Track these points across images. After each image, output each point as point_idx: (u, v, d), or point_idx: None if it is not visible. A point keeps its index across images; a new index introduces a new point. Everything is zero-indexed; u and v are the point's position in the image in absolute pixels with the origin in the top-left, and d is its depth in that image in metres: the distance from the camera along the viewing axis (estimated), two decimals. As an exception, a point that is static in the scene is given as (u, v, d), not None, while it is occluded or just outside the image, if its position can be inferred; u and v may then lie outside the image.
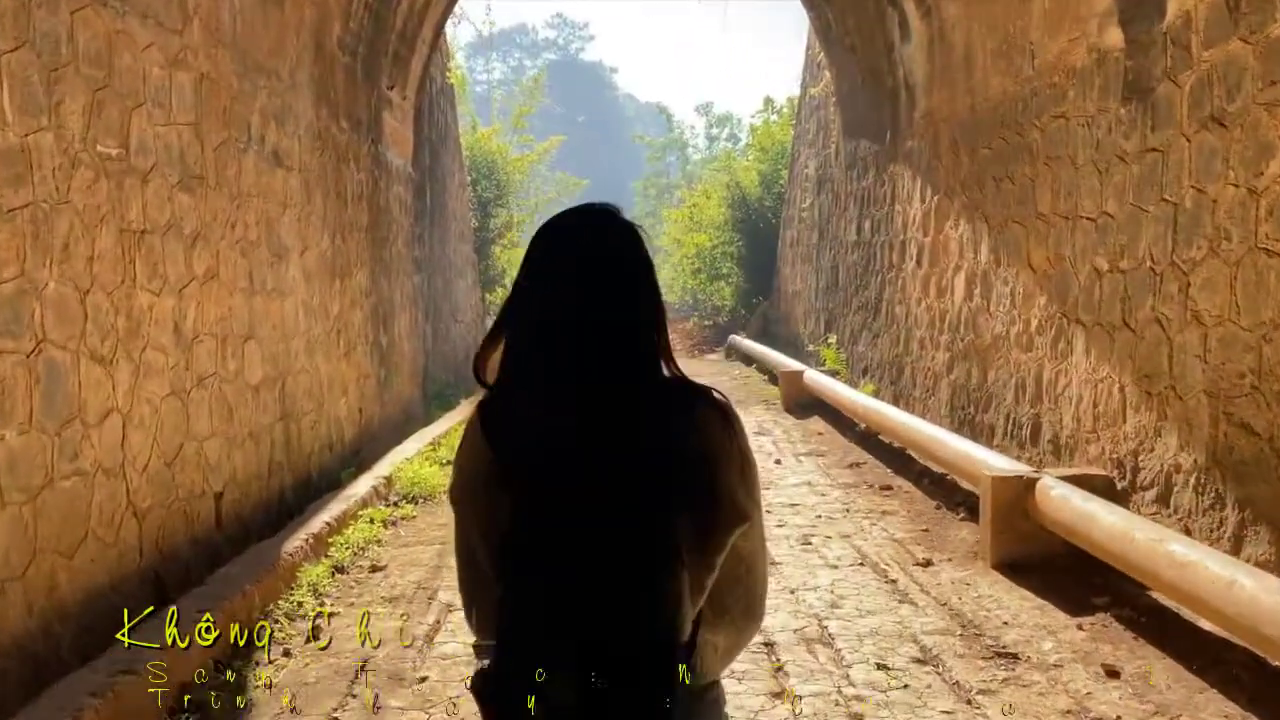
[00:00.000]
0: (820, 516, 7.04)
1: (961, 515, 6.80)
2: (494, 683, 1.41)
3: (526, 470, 1.47)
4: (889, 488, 7.94)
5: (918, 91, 9.43)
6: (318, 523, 6.21)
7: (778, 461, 9.09)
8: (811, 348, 14.77)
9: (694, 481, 1.47)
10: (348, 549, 6.20)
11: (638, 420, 1.48)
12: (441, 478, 8.19)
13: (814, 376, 11.88)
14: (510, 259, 21.81)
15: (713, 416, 1.55)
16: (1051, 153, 6.56)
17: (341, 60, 9.00)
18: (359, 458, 9.05)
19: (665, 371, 1.55)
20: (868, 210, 11.50)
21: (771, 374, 15.81)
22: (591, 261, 1.54)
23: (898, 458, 8.85)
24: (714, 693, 1.59)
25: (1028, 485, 5.54)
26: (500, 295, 21.55)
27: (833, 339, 12.98)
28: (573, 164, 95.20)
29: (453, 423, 10.82)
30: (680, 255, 29.01)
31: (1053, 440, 6.48)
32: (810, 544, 6.34)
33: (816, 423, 11.32)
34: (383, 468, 7.96)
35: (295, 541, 5.80)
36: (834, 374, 12.27)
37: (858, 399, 9.73)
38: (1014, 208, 7.18)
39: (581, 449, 1.46)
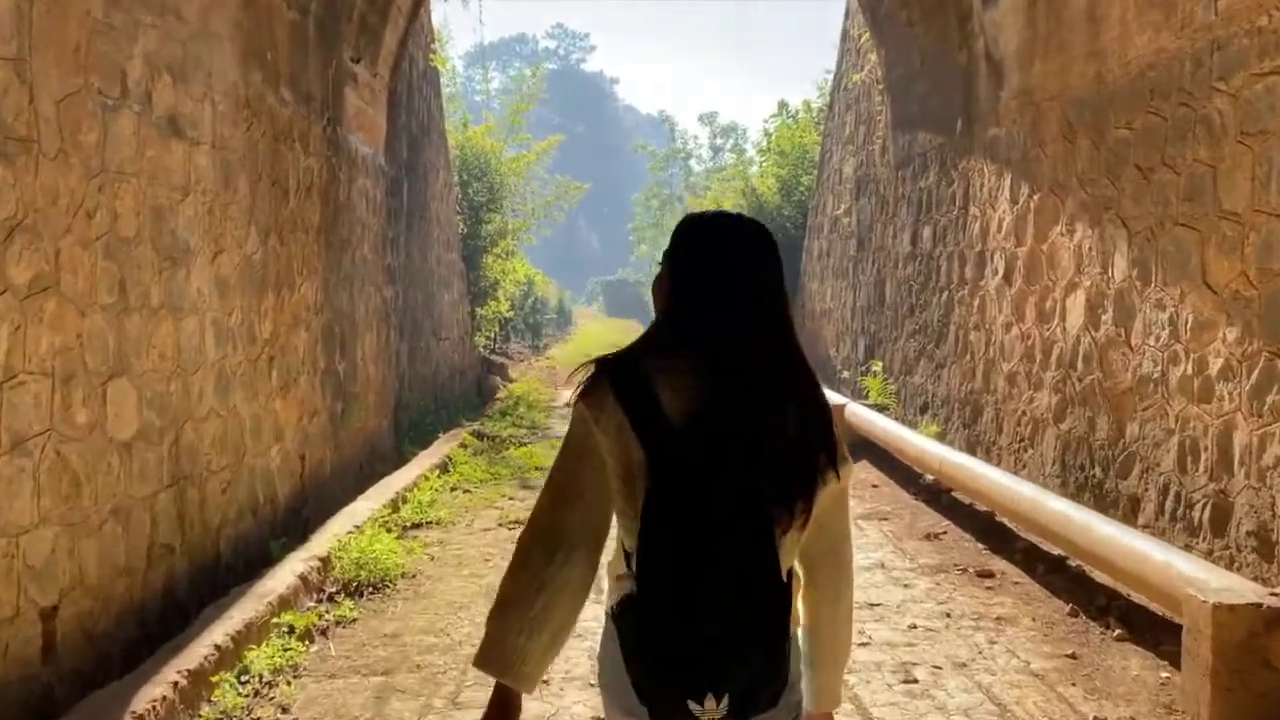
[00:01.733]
0: (915, 627, 5.10)
1: (1117, 632, 4.86)
2: (635, 610, 1.62)
3: (663, 438, 1.61)
4: (989, 574, 6.01)
5: (1007, 66, 7.54)
6: (203, 646, 4.27)
7: (833, 529, 7.16)
8: (846, 375, 12.86)
9: (806, 461, 1.67)
10: (247, 684, 4.26)
11: (775, 400, 1.66)
12: (402, 554, 6.27)
13: (860, 412, 9.96)
14: (505, 270, 19.93)
15: (826, 403, 1.76)
16: (1250, 126, 4.66)
17: (286, 15, 7.09)
18: (300, 518, 7.13)
19: (801, 358, 1.74)
20: (927, 215, 9.60)
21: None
22: (752, 255, 1.73)
23: (985, 526, 6.94)
24: (795, 638, 1.80)
25: (1271, 621, 3.62)
26: (493, 309, 19.63)
27: (877, 367, 11.06)
28: (572, 175, 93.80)
29: (427, 466, 8.89)
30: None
31: (1256, 533, 4.56)
32: (915, 681, 4.40)
33: (866, 469, 9.39)
34: (319, 543, 6.01)
35: (158, 688, 3.86)
36: (881, 409, 10.36)
37: (928, 447, 7.81)
38: (1176, 205, 5.28)
39: (721, 424, 1.62)
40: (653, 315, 1.85)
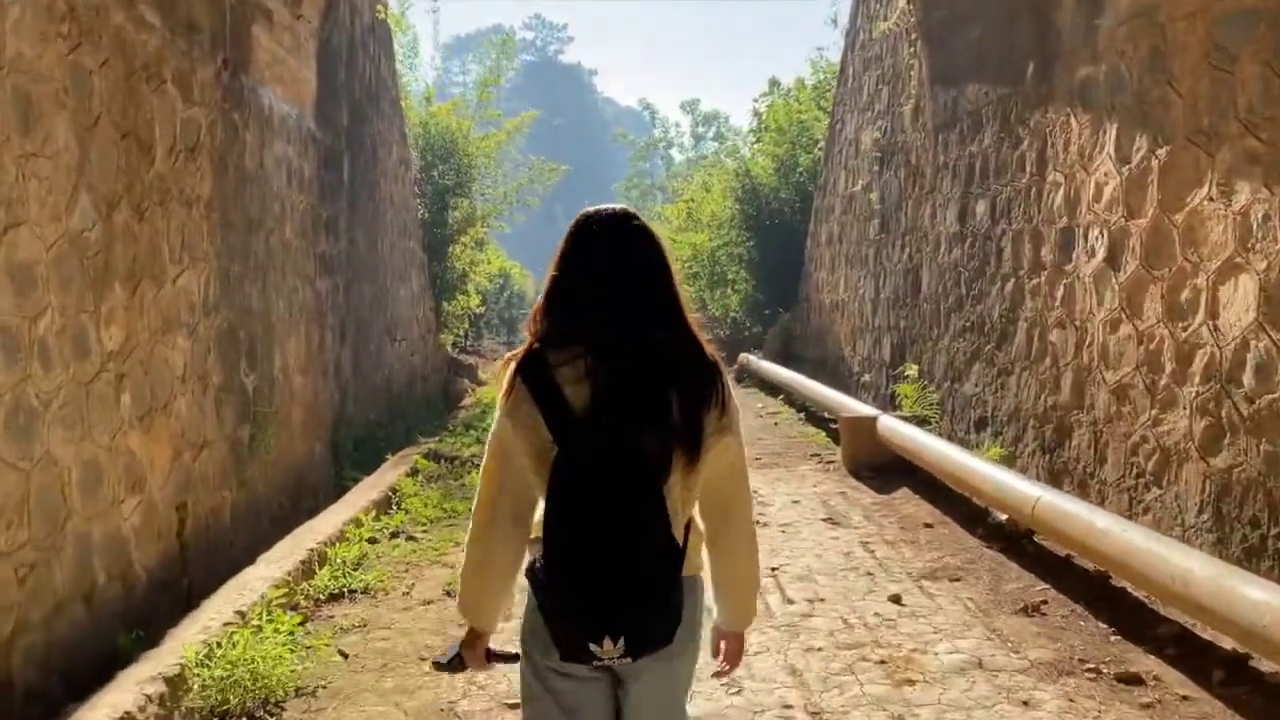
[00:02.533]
0: (1074, 799, 3.29)
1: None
2: (543, 572, 1.93)
3: (566, 414, 1.91)
4: (1135, 679, 4.21)
5: (1109, -18, 5.74)
6: None
7: (895, 600, 5.34)
8: (867, 378, 11.07)
9: (690, 415, 1.95)
10: None
11: (654, 369, 1.94)
12: (301, 654, 4.41)
13: (897, 428, 8.18)
14: (475, 260, 18.04)
15: (721, 385, 2.01)
16: None
17: (149, -93, 5.20)
18: (179, 592, 5.27)
19: (685, 330, 2.01)
20: (982, 186, 7.81)
21: (808, 410, 12.09)
22: (624, 246, 1.99)
23: (1099, 591, 5.17)
24: (698, 581, 2.12)
25: None
26: (461, 304, 17.73)
27: (912, 370, 9.27)
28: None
29: (363, 504, 7.03)
30: (672, 259, 25.36)
31: None
32: None
33: (910, 500, 7.61)
34: (173, 647, 4.13)
35: None
36: (921, 423, 8.58)
37: (1013, 483, 6.01)
38: None
39: (611, 393, 1.91)
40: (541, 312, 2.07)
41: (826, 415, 11.55)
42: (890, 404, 10.09)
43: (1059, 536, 5.39)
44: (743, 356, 16.36)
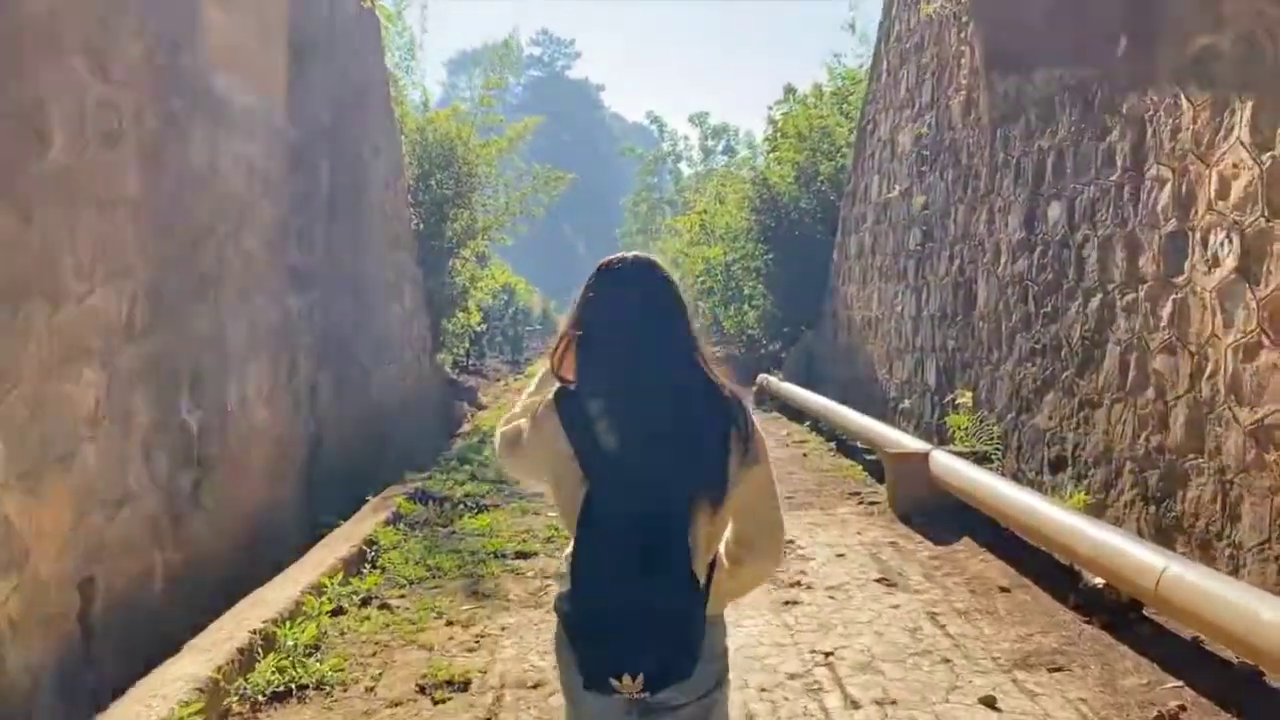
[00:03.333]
0: None
1: None
2: (568, 603, 2.01)
3: (597, 454, 1.97)
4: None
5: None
6: None
7: (989, 703, 4.19)
8: (907, 404, 9.94)
9: (713, 458, 2.00)
10: None
11: (678, 413, 2.00)
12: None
13: (954, 467, 7.05)
14: (475, 275, 16.96)
15: (740, 415, 2.05)
16: None
17: None
18: (86, 688, 4.16)
19: (705, 373, 2.06)
20: (1056, 186, 6.70)
21: (839, 439, 10.96)
22: (646, 295, 2.09)
23: (1253, 693, 4.03)
24: (719, 619, 2.14)
25: None
26: (461, 321, 16.65)
27: (965, 398, 8.14)
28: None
29: (329, 564, 5.94)
30: (684, 273, 24.24)
31: None
32: None
33: (974, 554, 6.48)
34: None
35: None
36: (980, 460, 7.45)
37: (1122, 544, 4.87)
38: None
39: (637, 439, 1.97)
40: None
41: (859, 444, 10.43)
42: (937, 435, 8.96)
43: (1199, 623, 4.24)
44: (761, 377, 15.22)
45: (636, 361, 2.02)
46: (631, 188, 58.44)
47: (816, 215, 16.13)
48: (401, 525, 7.34)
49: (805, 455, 10.47)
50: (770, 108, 21.12)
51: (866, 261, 11.64)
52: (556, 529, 7.33)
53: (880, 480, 8.90)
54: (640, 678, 1.93)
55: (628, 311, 2.06)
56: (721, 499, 1.99)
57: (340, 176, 9.23)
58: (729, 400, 2.05)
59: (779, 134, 19.43)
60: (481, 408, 15.16)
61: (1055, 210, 6.69)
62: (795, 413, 13.13)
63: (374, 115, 10.73)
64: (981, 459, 7.47)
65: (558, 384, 2.09)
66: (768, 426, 12.97)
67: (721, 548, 2.10)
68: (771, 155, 18.85)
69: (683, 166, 56.46)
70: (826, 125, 16.38)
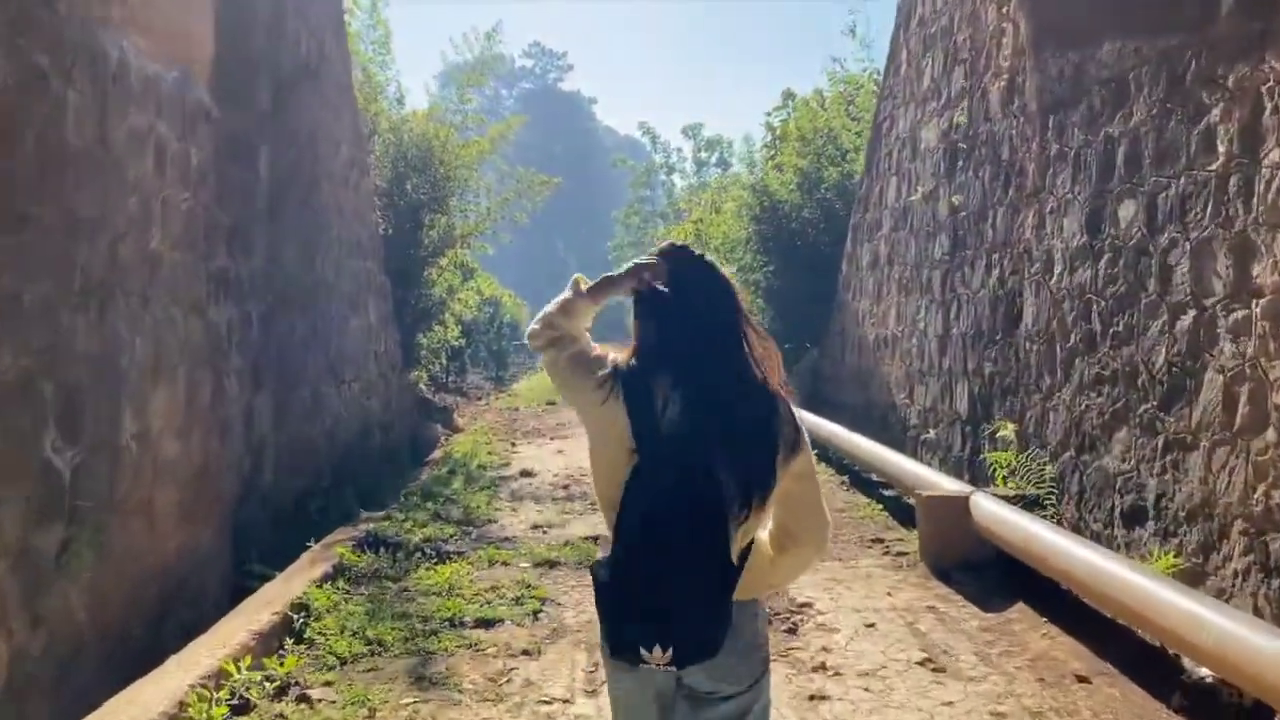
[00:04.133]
0: None
1: None
2: (606, 571, 2.07)
3: (651, 432, 2.05)
4: None
5: None
6: None
7: None
8: (931, 435, 8.79)
9: (763, 456, 2.06)
10: None
11: (734, 408, 2.07)
12: None
13: (1004, 517, 5.90)
14: (454, 286, 15.80)
15: (784, 409, 2.12)
16: None
17: None
18: None
19: (758, 372, 2.13)
20: (1130, 179, 5.57)
21: (852, 472, 9.80)
22: (712, 292, 2.17)
23: None
24: (755, 606, 2.18)
25: None
26: (438, 336, 15.49)
27: (1006, 430, 7.00)
28: (550, 196, 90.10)
29: (243, 636, 4.74)
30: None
31: None
32: None
33: (1034, 625, 5.32)
34: None
35: None
36: (1029, 505, 6.31)
37: (1261, 642, 3.70)
38: None
39: (692, 425, 2.04)
40: (632, 337, 2.21)
41: (874, 477, 9.27)
42: (969, 471, 7.81)
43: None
44: (761, 398, 14.06)
45: (700, 354, 2.08)
46: (624, 201, 57.38)
47: (821, 225, 15.01)
48: (343, 581, 6.14)
49: (815, 490, 9.29)
50: (768, 114, 20.07)
51: (882, 273, 10.51)
52: (529, 586, 6.16)
53: (906, 524, 7.73)
54: (670, 650, 1.99)
55: (695, 305, 2.12)
56: (768, 495, 2.06)
57: (286, 168, 8.06)
58: (778, 399, 2.12)
59: (778, 140, 18.36)
60: (457, 430, 13.96)
61: (1129, 209, 5.56)
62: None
63: (331, 103, 9.58)
64: (1031, 504, 6.32)
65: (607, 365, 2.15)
66: (770, 454, 11.81)
67: (764, 534, 2.17)
68: (771, 163, 17.75)
69: (675, 179, 55.45)
70: (832, 128, 15.28)
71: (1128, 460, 5.49)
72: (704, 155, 55.46)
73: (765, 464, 2.04)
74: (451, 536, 7.44)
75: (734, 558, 2.04)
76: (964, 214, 8.09)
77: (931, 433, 8.71)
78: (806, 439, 2.13)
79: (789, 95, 20.10)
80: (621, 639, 2.05)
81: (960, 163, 8.20)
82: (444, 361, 15.73)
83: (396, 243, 13.94)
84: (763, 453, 2.04)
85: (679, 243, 2.27)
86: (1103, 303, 5.80)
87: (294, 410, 8.20)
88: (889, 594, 6.02)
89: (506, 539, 7.44)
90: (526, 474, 10.09)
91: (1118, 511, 5.56)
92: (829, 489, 9.38)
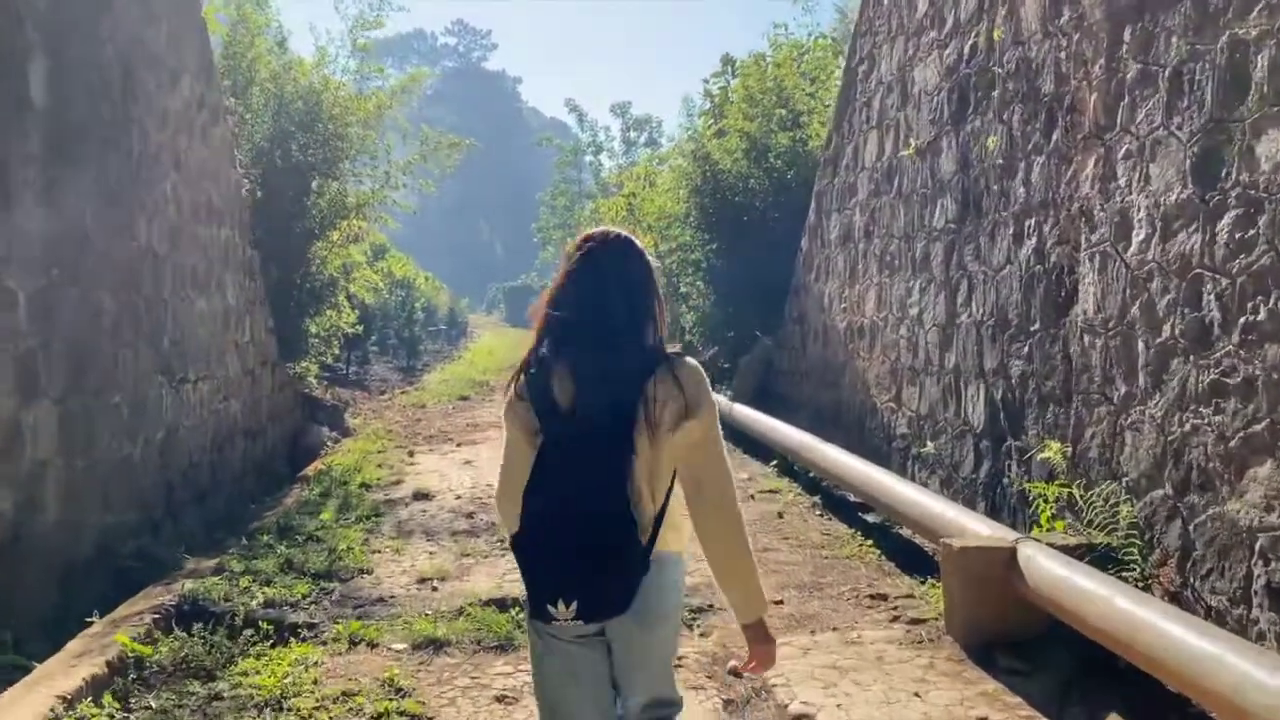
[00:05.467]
0: None
1: None
2: (523, 537, 2.19)
3: (551, 411, 2.20)
4: None
5: None
6: None
7: None
8: (930, 449, 7.02)
9: (649, 406, 2.18)
10: None
11: (622, 375, 2.20)
12: None
13: (1080, 583, 4.13)
14: (348, 263, 13.62)
15: (669, 366, 2.23)
16: None
17: None
18: None
19: (645, 337, 2.27)
20: None
21: (823, 489, 8.03)
22: (617, 265, 2.30)
23: None
24: (669, 557, 2.29)
25: None
26: (331, 320, 13.33)
27: (1052, 453, 5.24)
28: (473, 179, 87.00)
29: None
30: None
31: None
32: None
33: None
34: None
35: None
36: (1100, 560, 4.56)
37: None
38: None
39: (583, 396, 2.19)
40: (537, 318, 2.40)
41: (850, 496, 7.52)
42: (985, 499, 6.06)
43: None
44: (704, 395, 12.21)
45: (597, 322, 2.23)
46: (550, 183, 55.13)
47: (770, 197, 13.23)
48: (117, 688, 4.12)
49: (781, 515, 7.46)
50: (706, 80, 18.20)
51: (856, 249, 8.73)
52: (397, 691, 4.21)
53: (909, 568, 5.97)
54: (574, 605, 2.08)
55: (593, 280, 2.26)
56: (656, 439, 2.16)
57: (81, 96, 5.93)
58: (654, 352, 2.24)
59: (718, 107, 16.50)
60: (348, 433, 11.83)
61: (1274, 143, 3.80)
62: (752, 443, 10.17)
63: (162, 17, 7.40)
64: (1103, 560, 4.57)
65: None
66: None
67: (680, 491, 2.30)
68: (710, 130, 15.88)
69: (604, 159, 53.40)
70: (784, 88, 13.48)
71: (1275, 510, 3.75)
72: (633, 135, 53.48)
73: (635, 406, 2.15)
74: (304, 598, 5.43)
75: (638, 510, 2.15)
76: (979, 170, 6.31)
77: (930, 445, 6.95)
78: (709, 408, 2.23)
79: (728, 61, 18.25)
80: (533, 596, 2.16)
81: (973, 104, 6.42)
82: (337, 351, 13.58)
83: (277, 212, 11.76)
84: (633, 397, 2.16)
85: (595, 230, 2.36)
86: (1223, 281, 4.05)
87: (98, 423, 6.09)
88: (917, 694, 4.21)
89: (380, 600, 5.46)
90: (421, 496, 8.05)
91: (1258, 583, 3.82)
92: (802, 514, 7.58)
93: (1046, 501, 5.18)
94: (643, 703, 2.30)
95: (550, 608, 2.09)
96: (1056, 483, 5.18)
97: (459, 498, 8.01)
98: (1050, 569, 4.36)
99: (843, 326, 9.01)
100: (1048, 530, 5.13)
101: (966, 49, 6.50)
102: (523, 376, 2.25)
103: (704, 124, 17.38)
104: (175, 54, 7.65)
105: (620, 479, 2.11)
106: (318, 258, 12.68)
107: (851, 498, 7.81)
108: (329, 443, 11.10)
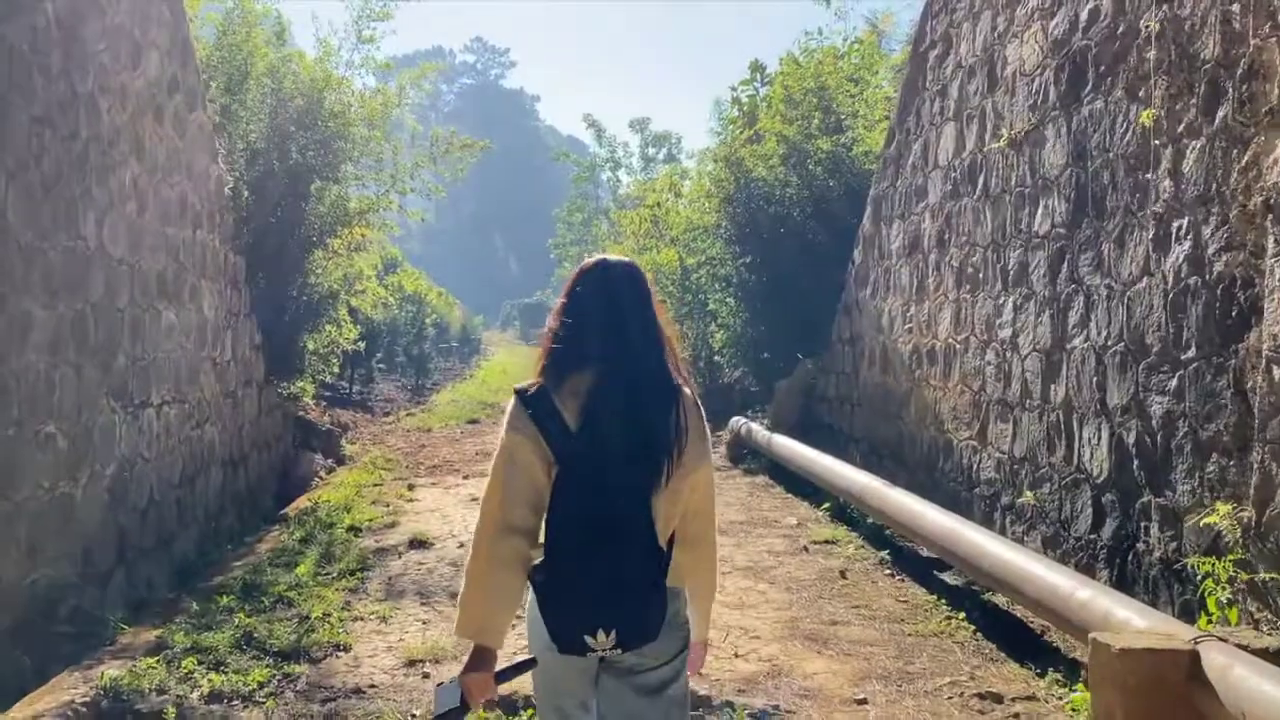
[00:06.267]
0: None
1: None
2: (543, 573, 2.12)
3: (565, 438, 2.14)
4: None
5: None
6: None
7: None
8: (1028, 498, 5.82)
9: (675, 442, 2.18)
10: None
11: (648, 402, 2.19)
12: None
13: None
14: (352, 274, 12.56)
15: (688, 402, 2.25)
16: None
17: None
18: None
19: (668, 368, 2.27)
20: None
21: (892, 543, 6.86)
22: (629, 294, 2.28)
23: None
24: (679, 592, 2.28)
25: None
26: (330, 335, 12.26)
27: (1219, 516, 4.04)
28: (490, 196, 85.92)
29: None
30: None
31: None
32: None
33: None
34: None
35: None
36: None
37: None
38: None
39: (609, 423, 2.14)
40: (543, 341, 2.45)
41: (924, 550, 6.34)
42: (1110, 569, 4.87)
43: None
44: (736, 422, 11.05)
45: (608, 348, 2.20)
46: (568, 195, 54.16)
47: (809, 207, 12.10)
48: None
49: (845, 576, 6.27)
50: (734, 87, 17.11)
51: (926, 260, 7.57)
52: None
53: (1011, 648, 4.79)
54: (614, 634, 2.08)
55: (601, 303, 2.25)
56: (681, 477, 2.18)
57: (13, 70, 4.85)
58: (674, 377, 2.25)
59: (747, 113, 15.39)
60: (341, 461, 10.71)
61: None
62: (791, 478, 9.00)
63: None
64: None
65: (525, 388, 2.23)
66: (759, 499, 8.78)
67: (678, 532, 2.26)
68: (741, 136, 14.75)
69: (622, 175, 52.46)
70: (825, 88, 12.36)
71: None
72: (651, 151, 52.55)
73: (669, 453, 2.15)
74: (260, 688, 4.28)
75: (661, 543, 2.14)
76: (1101, 160, 5.15)
77: (1029, 496, 5.76)
78: (708, 441, 2.31)
79: (757, 67, 17.17)
80: (565, 631, 2.11)
81: (1091, 82, 5.27)
82: (337, 369, 12.48)
83: (272, 217, 10.74)
84: (666, 444, 2.15)
85: (598, 256, 2.37)
86: None
87: (22, 457, 4.99)
88: None
89: (357, 691, 4.31)
90: (418, 544, 6.88)
91: None
92: (868, 574, 6.40)
93: (1216, 582, 3.99)
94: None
95: (589, 639, 2.08)
96: (1229, 557, 3.99)
97: (462, 545, 6.86)
98: (1257, 687, 3.18)
99: (907, 349, 7.84)
100: (1218, 621, 3.94)
101: (1083, 15, 5.35)
102: (530, 403, 2.19)
103: (733, 133, 16.27)
104: (140, 25, 6.58)
105: (648, 508, 2.12)
106: (317, 268, 11.62)
107: (924, 551, 6.64)
108: (322, 472, 9.98)
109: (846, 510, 7.68)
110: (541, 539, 2.14)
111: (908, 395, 7.79)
